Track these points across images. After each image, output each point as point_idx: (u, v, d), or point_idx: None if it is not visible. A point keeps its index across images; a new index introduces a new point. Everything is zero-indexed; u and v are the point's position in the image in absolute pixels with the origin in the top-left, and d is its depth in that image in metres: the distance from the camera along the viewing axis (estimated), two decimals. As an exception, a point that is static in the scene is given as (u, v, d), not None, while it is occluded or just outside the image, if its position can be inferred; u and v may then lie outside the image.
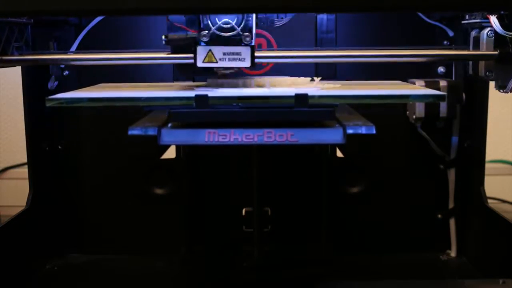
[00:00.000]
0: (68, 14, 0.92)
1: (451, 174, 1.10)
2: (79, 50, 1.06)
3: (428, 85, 1.01)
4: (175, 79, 1.07)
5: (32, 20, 0.97)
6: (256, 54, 0.86)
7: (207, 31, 0.85)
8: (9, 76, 1.27)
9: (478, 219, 1.07)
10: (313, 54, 0.95)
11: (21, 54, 0.94)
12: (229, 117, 0.78)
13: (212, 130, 0.77)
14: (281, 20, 1.04)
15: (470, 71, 0.96)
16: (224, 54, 0.84)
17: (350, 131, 0.76)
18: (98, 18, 1.07)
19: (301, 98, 0.78)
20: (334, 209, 1.08)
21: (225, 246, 1.11)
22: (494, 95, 1.04)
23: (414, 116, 1.04)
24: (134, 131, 0.76)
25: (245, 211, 1.07)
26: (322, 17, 1.07)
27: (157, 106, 0.81)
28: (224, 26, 0.84)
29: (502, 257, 0.98)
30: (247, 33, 0.85)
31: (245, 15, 0.85)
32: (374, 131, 0.76)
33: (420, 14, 1.07)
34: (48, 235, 1.11)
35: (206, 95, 0.78)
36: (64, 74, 1.09)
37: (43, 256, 1.10)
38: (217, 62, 0.84)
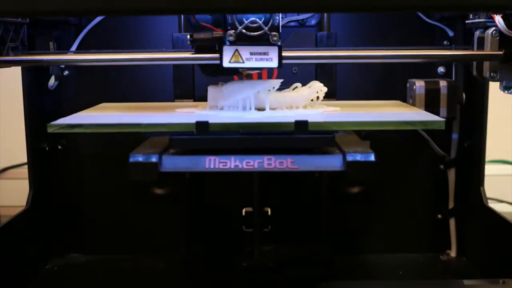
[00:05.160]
0: (68, 14, 0.92)
1: (451, 174, 1.10)
2: (79, 50, 1.06)
3: (428, 85, 1.01)
4: (176, 96, 1.07)
5: (28, 20, 0.96)
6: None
7: (233, 30, 0.82)
8: (9, 76, 1.27)
9: (478, 219, 1.07)
10: (313, 55, 0.94)
11: (16, 55, 0.94)
12: (230, 144, 0.79)
13: (212, 157, 0.77)
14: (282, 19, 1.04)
15: (474, 72, 0.94)
16: (251, 54, 0.82)
17: (350, 158, 0.76)
18: (98, 18, 1.07)
19: (301, 125, 0.78)
20: (334, 209, 1.08)
21: (225, 246, 1.10)
22: (494, 95, 1.04)
23: (414, 116, 1.04)
24: (135, 158, 0.77)
25: (245, 211, 1.07)
26: (322, 34, 1.06)
27: (158, 132, 0.81)
28: (251, 25, 0.82)
29: (502, 257, 0.98)
30: (274, 32, 0.82)
31: (272, 14, 0.82)
32: (373, 158, 0.76)
33: (420, 14, 1.07)
34: (48, 235, 1.11)
35: (206, 122, 0.78)
36: (64, 74, 1.09)
37: (43, 256, 1.10)
38: (243, 62, 0.82)
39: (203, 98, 0.94)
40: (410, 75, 1.05)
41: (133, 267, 1.10)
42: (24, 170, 1.09)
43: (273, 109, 0.88)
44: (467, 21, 0.95)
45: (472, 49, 0.93)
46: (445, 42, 1.08)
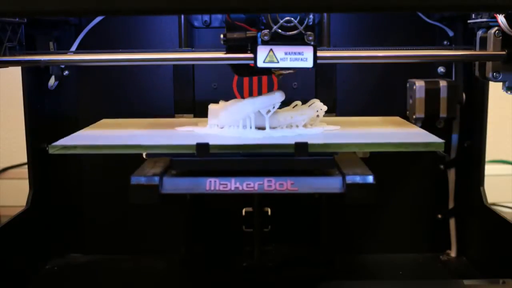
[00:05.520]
0: (68, 14, 0.92)
1: (451, 174, 1.10)
2: (79, 50, 1.06)
3: (428, 85, 1.01)
4: (176, 106, 1.08)
5: (25, 20, 0.96)
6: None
7: (268, 30, 0.82)
8: (9, 76, 1.27)
9: (478, 219, 1.06)
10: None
11: (13, 55, 0.93)
12: (230, 166, 0.80)
13: (213, 179, 0.79)
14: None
15: (476, 73, 0.93)
16: (285, 53, 0.82)
17: (349, 181, 0.77)
18: (98, 18, 1.07)
19: (301, 147, 0.79)
20: (334, 209, 1.08)
21: (225, 246, 1.10)
22: (494, 95, 1.04)
23: (414, 116, 1.04)
24: (136, 180, 0.78)
25: (245, 211, 1.07)
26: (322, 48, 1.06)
27: (159, 154, 0.82)
28: (286, 24, 0.82)
29: (502, 257, 0.98)
30: (309, 32, 0.82)
31: (306, 14, 0.82)
32: (372, 181, 0.78)
33: (420, 14, 1.07)
34: (48, 235, 1.11)
35: (207, 144, 0.79)
36: (64, 74, 1.09)
37: (43, 256, 1.10)
38: (278, 62, 0.82)
39: (203, 106, 0.94)
40: (410, 75, 1.05)
41: (133, 267, 1.10)
42: (24, 170, 1.09)
43: (273, 127, 0.89)
44: (469, 21, 0.94)
45: (474, 49, 0.92)
46: (445, 42, 1.08)
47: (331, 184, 0.79)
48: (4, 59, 0.91)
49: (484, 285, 0.90)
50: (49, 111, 1.10)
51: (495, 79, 0.89)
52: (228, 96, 1.06)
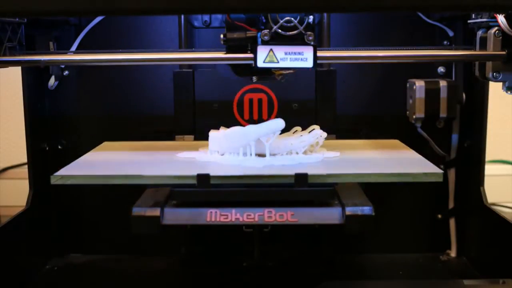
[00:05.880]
0: (68, 14, 0.92)
1: (451, 174, 1.10)
2: (79, 50, 1.06)
3: (428, 85, 1.01)
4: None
5: (25, 20, 0.96)
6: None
7: (267, 30, 0.82)
8: (9, 76, 1.27)
9: (478, 219, 1.06)
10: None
11: (13, 55, 0.94)
12: (230, 197, 0.80)
13: (213, 210, 0.79)
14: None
15: (476, 73, 0.93)
16: (285, 53, 0.82)
17: (349, 212, 0.78)
18: (98, 18, 1.07)
19: (301, 178, 0.79)
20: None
21: (225, 246, 1.10)
22: (494, 95, 1.04)
23: (414, 116, 1.04)
24: (138, 211, 0.79)
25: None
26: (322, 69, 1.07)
27: (159, 184, 0.83)
28: (286, 24, 0.82)
29: (502, 257, 0.98)
30: (309, 32, 0.82)
31: (306, 14, 0.82)
32: (372, 212, 0.78)
33: (420, 14, 1.07)
34: (48, 235, 1.11)
35: (207, 175, 0.79)
36: (64, 74, 1.09)
37: (43, 256, 1.10)
38: (278, 62, 0.82)
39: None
40: (410, 75, 1.05)
41: (133, 267, 1.10)
42: (24, 170, 1.09)
43: (273, 154, 0.89)
44: (469, 21, 0.94)
45: (474, 49, 0.92)
46: (445, 42, 1.08)
47: (331, 215, 0.79)
48: (4, 59, 0.91)
49: (484, 285, 0.90)
50: (49, 111, 1.10)
51: (495, 79, 0.89)
52: (228, 116, 1.07)
